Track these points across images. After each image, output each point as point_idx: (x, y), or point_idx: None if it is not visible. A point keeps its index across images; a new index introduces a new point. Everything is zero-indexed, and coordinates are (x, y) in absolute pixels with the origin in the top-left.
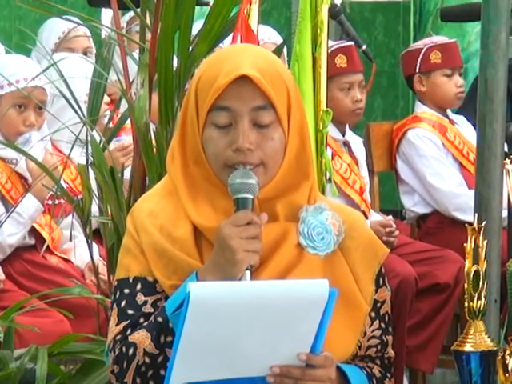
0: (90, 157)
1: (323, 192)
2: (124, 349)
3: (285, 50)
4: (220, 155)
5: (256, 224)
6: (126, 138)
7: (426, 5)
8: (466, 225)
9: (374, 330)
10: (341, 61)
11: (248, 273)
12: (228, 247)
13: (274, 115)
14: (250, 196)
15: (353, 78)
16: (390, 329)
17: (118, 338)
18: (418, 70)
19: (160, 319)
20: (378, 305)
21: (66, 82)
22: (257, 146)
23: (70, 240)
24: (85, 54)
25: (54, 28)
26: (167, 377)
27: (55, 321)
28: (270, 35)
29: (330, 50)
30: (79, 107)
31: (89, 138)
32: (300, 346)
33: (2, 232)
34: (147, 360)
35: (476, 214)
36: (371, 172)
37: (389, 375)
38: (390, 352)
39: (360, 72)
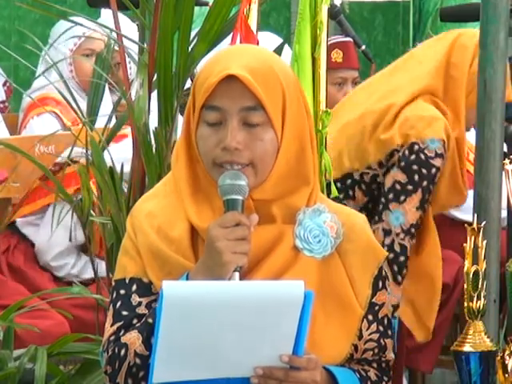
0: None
1: (323, 192)
2: (116, 349)
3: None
4: (209, 153)
5: (244, 225)
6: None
7: (426, 5)
8: (466, 225)
9: (371, 333)
10: (336, 55)
11: (237, 274)
12: (215, 249)
13: (265, 116)
14: (239, 197)
15: (347, 73)
16: (390, 332)
17: (111, 338)
18: None
19: (151, 320)
20: (377, 308)
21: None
22: (245, 145)
23: None
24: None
25: (70, 32)
26: (150, 376)
27: (54, 323)
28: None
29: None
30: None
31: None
32: (281, 348)
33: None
34: (138, 361)
35: (475, 215)
36: None
37: (386, 378)
38: (389, 355)
39: (355, 69)
